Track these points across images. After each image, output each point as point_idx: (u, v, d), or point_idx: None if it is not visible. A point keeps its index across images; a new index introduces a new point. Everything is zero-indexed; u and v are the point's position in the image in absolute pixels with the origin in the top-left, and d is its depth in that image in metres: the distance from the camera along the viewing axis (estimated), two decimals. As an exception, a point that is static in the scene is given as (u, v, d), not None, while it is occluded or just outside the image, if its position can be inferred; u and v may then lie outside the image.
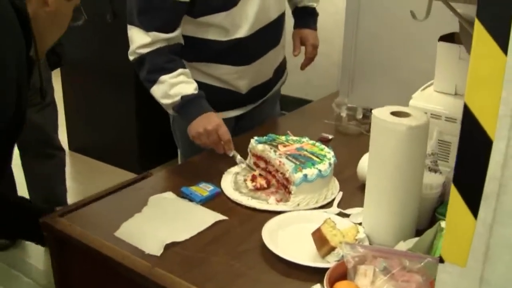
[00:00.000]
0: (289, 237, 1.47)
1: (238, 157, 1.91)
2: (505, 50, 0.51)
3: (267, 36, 2.16)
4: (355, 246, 1.25)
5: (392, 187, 1.37)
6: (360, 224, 1.48)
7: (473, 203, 0.58)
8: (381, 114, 1.37)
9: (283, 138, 1.89)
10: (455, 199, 0.59)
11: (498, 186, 0.56)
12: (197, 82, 2.00)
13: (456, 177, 0.59)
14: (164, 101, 1.96)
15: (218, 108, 2.02)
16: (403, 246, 1.32)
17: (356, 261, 1.22)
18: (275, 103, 2.53)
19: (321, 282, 1.21)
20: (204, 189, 1.70)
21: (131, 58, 1.98)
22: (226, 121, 2.03)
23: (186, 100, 1.93)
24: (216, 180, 1.78)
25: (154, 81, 1.94)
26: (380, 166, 1.39)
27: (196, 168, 1.93)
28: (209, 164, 1.94)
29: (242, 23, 2.04)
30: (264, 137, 1.88)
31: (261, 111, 2.38)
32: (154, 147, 3.97)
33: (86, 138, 4.30)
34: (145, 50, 1.93)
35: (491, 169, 0.56)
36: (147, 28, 1.91)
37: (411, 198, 1.39)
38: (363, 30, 2.36)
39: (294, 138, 1.90)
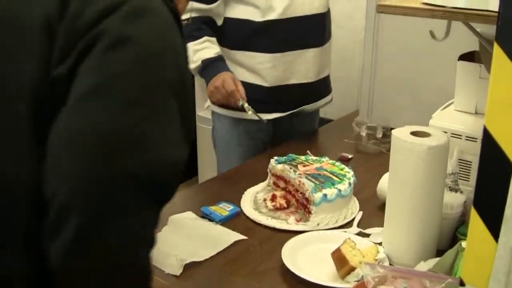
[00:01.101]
0: (309, 257, 1.47)
1: (246, 105, 2.06)
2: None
3: (305, 29, 2.20)
4: (375, 267, 1.25)
5: (412, 206, 1.37)
6: (380, 244, 1.48)
7: (494, 226, 0.58)
8: (401, 134, 1.37)
9: (302, 158, 1.89)
10: (476, 222, 0.59)
11: (519, 208, 0.56)
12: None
13: (477, 200, 0.59)
14: (191, 66, 2.11)
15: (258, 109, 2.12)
16: (423, 266, 1.31)
17: (376, 282, 1.21)
18: (314, 122, 2.55)
19: (341, 302, 1.21)
20: (224, 208, 1.71)
21: None
22: (263, 124, 2.20)
23: (206, 64, 2.11)
24: (236, 199, 1.78)
25: None
26: (400, 185, 1.39)
27: (216, 187, 1.94)
28: (229, 183, 1.95)
29: (276, 4, 2.11)
30: (284, 157, 1.88)
31: (301, 122, 2.41)
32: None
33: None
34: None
35: None
36: None
37: (431, 218, 1.39)
38: (382, 49, 2.37)
39: (314, 158, 1.90)
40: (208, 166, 3.67)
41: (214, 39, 2.17)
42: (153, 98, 0.93)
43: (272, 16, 2.12)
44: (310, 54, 2.24)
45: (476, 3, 1.18)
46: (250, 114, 2.07)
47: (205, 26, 2.15)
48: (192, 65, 2.13)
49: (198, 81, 3.64)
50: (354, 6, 3.15)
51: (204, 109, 3.55)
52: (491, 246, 0.59)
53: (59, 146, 0.88)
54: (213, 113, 2.42)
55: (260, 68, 2.19)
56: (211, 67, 2.13)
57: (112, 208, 0.87)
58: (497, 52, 0.52)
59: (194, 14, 2.12)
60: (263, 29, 2.14)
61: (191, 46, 2.10)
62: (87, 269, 0.89)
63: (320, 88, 2.38)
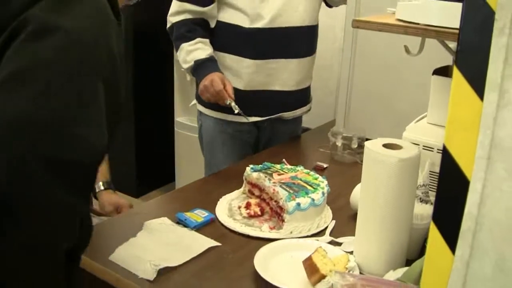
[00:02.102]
0: (281, 265, 1.49)
1: (233, 104, 2.15)
2: (481, 96, 0.55)
3: (291, 39, 2.28)
4: (344, 275, 1.27)
5: (383, 217, 1.40)
6: (351, 252, 1.51)
7: (451, 240, 0.61)
8: (373, 146, 1.40)
9: (278, 166, 1.92)
10: (434, 236, 0.62)
11: (475, 224, 0.59)
12: None
13: (435, 215, 0.62)
14: (184, 66, 2.25)
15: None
16: (392, 275, 1.34)
17: (346, 290, 1.24)
18: (297, 129, 2.62)
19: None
20: (199, 215, 1.72)
21: (167, 27, 2.30)
22: (248, 126, 2.34)
23: (198, 64, 2.19)
24: (210, 206, 1.80)
25: (177, 48, 2.24)
26: (372, 196, 1.42)
27: (191, 194, 1.96)
28: (205, 190, 1.97)
29: (264, 13, 2.20)
30: (259, 166, 1.91)
31: (284, 127, 2.49)
32: (152, 171, 4.00)
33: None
34: (174, 19, 2.25)
35: (468, 208, 0.58)
36: None
37: (401, 228, 1.42)
38: (360, 61, 2.41)
39: (289, 167, 1.93)
40: (185, 172, 3.70)
41: (207, 40, 2.25)
42: (76, 85, 0.92)
43: (260, 24, 2.20)
44: (293, 64, 2.32)
45: (448, 21, 1.22)
46: (236, 112, 2.15)
47: (198, 27, 2.24)
48: (186, 65, 2.24)
49: (178, 89, 3.68)
50: (333, 18, 3.18)
51: (190, 105, 3.59)
52: (449, 259, 0.62)
53: None
54: (200, 112, 2.48)
55: (244, 72, 2.27)
56: (203, 67, 2.20)
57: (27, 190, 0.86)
58: (457, 75, 0.55)
59: (187, 16, 2.23)
60: (250, 36, 2.22)
61: (185, 46, 2.22)
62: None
63: (300, 97, 2.45)
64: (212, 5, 2.23)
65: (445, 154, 0.58)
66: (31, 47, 0.90)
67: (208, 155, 2.49)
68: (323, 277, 1.37)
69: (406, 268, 1.35)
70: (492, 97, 0.55)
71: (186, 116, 3.71)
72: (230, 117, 2.31)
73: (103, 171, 2.09)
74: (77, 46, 0.94)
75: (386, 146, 1.41)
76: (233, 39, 2.27)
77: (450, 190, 0.59)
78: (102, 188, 2.03)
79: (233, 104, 2.15)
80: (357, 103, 2.44)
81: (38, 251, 0.91)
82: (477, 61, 0.54)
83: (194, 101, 2.49)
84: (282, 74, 2.31)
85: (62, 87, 0.90)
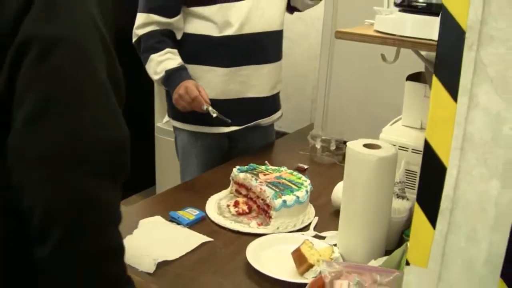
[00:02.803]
0: (271, 257, 1.60)
1: (210, 108, 2.17)
2: (455, 99, 0.68)
3: (261, 45, 2.32)
4: (331, 263, 1.40)
5: (364, 211, 1.53)
6: (335, 245, 1.63)
7: (432, 217, 0.73)
8: (354, 146, 1.53)
9: (263, 167, 2.03)
10: (418, 214, 0.75)
11: (451, 203, 0.72)
12: None
13: (419, 196, 0.74)
14: (154, 77, 2.25)
15: (209, 122, 2.26)
16: (374, 264, 1.46)
17: (333, 276, 1.36)
18: (270, 135, 2.67)
19: (301, 295, 1.35)
20: (190, 213, 1.83)
21: (133, 40, 2.29)
22: (219, 137, 2.36)
23: (169, 74, 2.20)
24: (200, 205, 1.90)
25: (146, 60, 2.24)
26: (354, 192, 1.55)
27: (181, 194, 2.06)
28: (193, 191, 2.07)
29: (233, 20, 2.22)
30: (246, 167, 2.02)
31: (254, 136, 2.51)
32: (132, 176, 4.06)
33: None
34: (140, 32, 2.23)
35: (446, 190, 0.71)
36: (145, 9, 2.21)
37: (381, 221, 1.55)
38: (337, 67, 2.54)
39: (274, 167, 2.05)
40: (166, 176, 3.76)
41: (175, 50, 2.26)
42: (90, 91, 0.97)
43: (229, 31, 2.23)
44: (265, 70, 2.37)
45: (422, 33, 1.35)
46: (215, 116, 2.17)
47: (166, 38, 2.25)
48: (156, 76, 2.24)
49: (158, 95, 3.75)
50: (309, 26, 3.32)
51: (163, 123, 3.67)
52: (430, 233, 0.74)
53: (22, 170, 0.94)
54: (174, 128, 2.53)
55: (216, 81, 2.29)
56: (174, 76, 2.21)
57: (87, 210, 0.97)
58: (436, 82, 0.68)
59: (154, 27, 2.23)
60: (220, 44, 2.25)
61: (155, 57, 2.22)
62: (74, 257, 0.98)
63: (273, 102, 2.53)
64: (178, 16, 2.23)
65: (426, 146, 0.71)
66: (41, 73, 0.93)
67: (182, 165, 2.54)
68: (311, 266, 1.49)
69: (386, 257, 1.48)
70: (464, 100, 0.68)
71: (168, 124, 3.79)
72: (203, 129, 2.35)
73: None
74: (83, 49, 0.97)
75: (366, 146, 1.54)
76: (203, 50, 2.28)
77: (430, 175, 0.72)
78: None
79: (210, 108, 2.16)
80: (334, 107, 2.56)
81: None
82: (451, 71, 0.67)
83: (167, 118, 2.51)
84: (255, 80, 2.35)
85: (95, 97, 0.97)
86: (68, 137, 0.93)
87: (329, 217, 1.87)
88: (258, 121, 2.46)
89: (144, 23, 2.22)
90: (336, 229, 1.68)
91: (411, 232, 0.77)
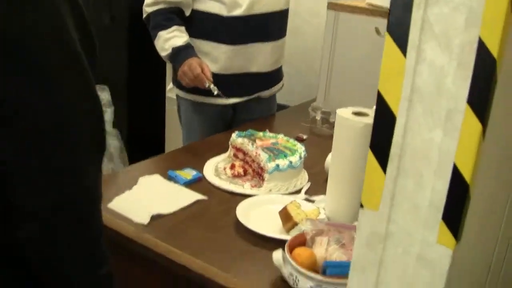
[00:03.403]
0: (260, 216, 1.68)
1: (212, 86, 2.28)
2: (404, 54, 0.75)
3: (267, 24, 2.43)
4: (314, 222, 1.48)
5: (350, 175, 1.60)
6: (323, 209, 1.71)
7: (383, 162, 0.80)
8: (344, 113, 1.61)
9: (260, 134, 2.11)
10: (371, 160, 0.82)
11: (400, 150, 0.79)
12: None
13: (372, 144, 0.81)
14: (162, 53, 2.36)
15: (212, 94, 2.32)
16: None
17: (314, 233, 1.44)
18: (272, 107, 2.78)
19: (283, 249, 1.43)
20: (188, 173, 1.92)
21: (143, 17, 2.41)
22: (224, 108, 2.47)
23: (176, 51, 2.31)
24: (199, 167, 1.99)
25: (154, 36, 2.35)
26: (341, 157, 1.62)
27: (181, 156, 2.15)
28: (194, 153, 2.16)
29: (241, 1, 2.33)
30: (244, 132, 2.10)
31: (256, 108, 2.63)
32: (142, 145, 4.15)
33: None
34: (149, 9, 2.36)
35: (395, 138, 0.78)
36: None
37: (365, 186, 1.62)
38: (340, 43, 2.59)
39: (271, 134, 2.12)
40: (174, 145, 3.85)
41: (182, 27, 2.36)
42: (69, 77, 0.94)
43: (237, 12, 2.33)
44: (269, 47, 2.48)
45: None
46: (215, 93, 2.29)
47: (174, 15, 2.35)
48: (163, 53, 2.36)
49: (169, 64, 3.81)
50: (318, 4, 3.37)
51: (167, 90, 3.76)
52: (381, 178, 0.81)
53: (18, 182, 0.93)
54: (177, 96, 2.64)
55: (221, 57, 2.40)
56: (180, 54, 2.32)
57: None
58: (388, 38, 0.74)
59: (163, 6, 2.34)
60: (228, 23, 2.35)
61: (163, 34, 2.33)
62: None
63: (274, 76, 2.64)
64: None
65: (379, 97, 0.78)
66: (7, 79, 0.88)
67: (185, 134, 2.65)
68: (296, 224, 1.57)
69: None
70: (412, 55, 0.74)
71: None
72: (206, 99, 2.44)
73: None
74: (56, 32, 0.92)
75: (355, 113, 1.61)
76: (210, 27, 2.39)
77: (382, 124, 0.79)
78: None
79: (212, 86, 2.27)
80: (337, 81, 2.63)
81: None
82: (402, 29, 0.74)
83: (171, 85, 2.63)
84: (258, 57, 2.47)
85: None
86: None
87: (321, 184, 1.94)
88: (259, 93, 2.58)
89: (153, 1, 2.34)
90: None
91: (365, 178, 0.84)
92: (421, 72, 0.75)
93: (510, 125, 0.84)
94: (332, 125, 2.46)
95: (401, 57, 0.75)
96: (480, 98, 0.72)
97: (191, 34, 2.39)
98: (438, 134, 0.76)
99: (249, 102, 2.55)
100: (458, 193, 0.76)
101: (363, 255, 0.89)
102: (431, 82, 0.74)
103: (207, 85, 2.27)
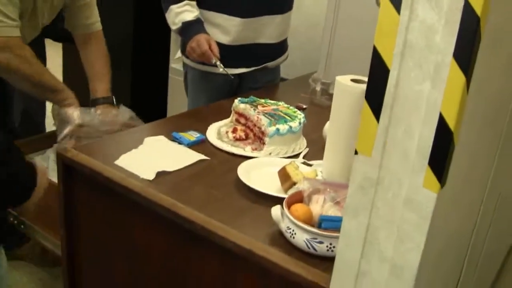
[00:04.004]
0: (259, 176, 1.76)
1: (218, 62, 2.38)
2: (399, 12, 0.82)
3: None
4: (311, 181, 1.56)
5: (347, 139, 1.68)
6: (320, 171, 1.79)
7: (376, 111, 0.88)
8: (343, 79, 1.68)
9: (262, 100, 2.19)
10: (366, 110, 0.90)
11: (392, 100, 0.86)
12: None
13: (367, 94, 0.89)
14: (173, 27, 2.45)
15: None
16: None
17: (311, 192, 1.52)
18: (276, 77, 2.90)
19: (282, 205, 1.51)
20: (192, 135, 2.00)
21: None
22: (224, 78, 2.53)
23: (186, 25, 2.39)
24: (202, 130, 2.07)
25: (166, 9, 2.43)
26: (339, 122, 1.70)
27: (185, 120, 2.23)
28: (197, 118, 2.24)
29: None
30: (246, 99, 2.17)
31: (261, 77, 2.74)
32: (145, 114, 4.22)
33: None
34: None
35: (388, 88, 0.86)
36: None
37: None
38: (342, 15, 2.66)
39: (272, 101, 2.20)
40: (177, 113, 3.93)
41: (193, 2, 2.44)
42: None
43: None
44: (276, 20, 2.59)
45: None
46: (221, 70, 2.39)
47: None
48: (174, 27, 2.44)
49: (174, 34, 3.88)
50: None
51: (175, 58, 3.83)
52: (374, 126, 0.89)
53: None
54: (184, 64, 2.71)
55: (232, 30, 2.50)
56: (190, 29, 2.41)
57: None
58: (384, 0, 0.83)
59: None
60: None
61: (174, 8, 2.41)
62: None
63: (281, 47, 2.75)
64: None
65: (374, 51, 0.85)
66: None
67: (191, 102, 2.75)
68: (294, 184, 1.64)
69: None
70: (405, 13, 0.82)
71: (180, 63, 3.94)
72: (215, 69, 2.51)
73: (103, 89, 2.37)
74: None
75: (353, 80, 1.68)
76: (223, 0, 2.48)
77: (376, 76, 0.86)
78: (101, 102, 2.34)
79: (218, 63, 2.38)
80: (337, 52, 2.70)
81: None
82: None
83: (179, 54, 2.73)
84: (267, 29, 2.58)
85: None
86: None
87: (319, 150, 2.01)
88: (266, 64, 2.68)
89: None
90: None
91: (360, 126, 0.92)
92: (413, 29, 0.82)
93: (494, 81, 0.92)
94: (331, 96, 2.53)
95: (396, 15, 0.82)
96: (465, 53, 0.79)
97: (204, 6, 2.48)
98: (426, 86, 0.83)
99: (255, 72, 2.67)
100: (443, 140, 0.84)
101: (356, 199, 0.97)
102: (421, 38, 0.82)
103: (213, 61, 2.38)
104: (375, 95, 0.87)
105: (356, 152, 0.94)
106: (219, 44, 2.43)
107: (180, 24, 2.41)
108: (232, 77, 2.49)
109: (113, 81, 4.03)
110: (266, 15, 2.54)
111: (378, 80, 0.86)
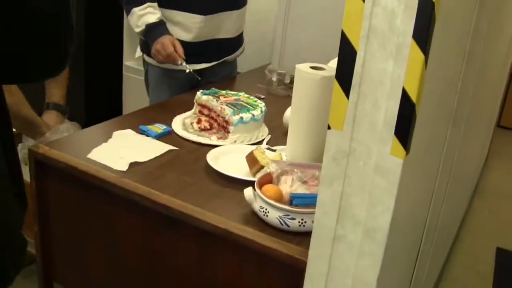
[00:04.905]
0: (228, 162, 1.85)
1: (184, 63, 2.45)
2: (363, 0, 0.93)
3: None
4: (279, 162, 1.66)
5: (308, 123, 1.79)
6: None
7: (346, 89, 0.99)
8: (303, 67, 1.79)
9: (223, 92, 2.28)
10: (337, 88, 1.00)
11: (360, 78, 0.97)
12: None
13: (337, 74, 1.00)
14: (136, 30, 2.48)
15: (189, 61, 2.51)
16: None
17: (279, 173, 1.62)
18: (234, 70, 3.00)
19: (253, 187, 1.60)
20: (158, 127, 2.07)
21: None
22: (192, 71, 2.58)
23: (149, 27, 2.44)
24: (167, 122, 2.15)
25: (128, 12, 2.46)
26: (300, 107, 1.80)
27: (150, 113, 2.30)
28: (162, 111, 2.31)
29: None
30: (208, 91, 2.26)
31: (220, 71, 2.84)
32: (100, 113, 4.23)
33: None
34: None
35: (356, 68, 0.97)
36: None
37: (322, 131, 1.80)
38: (294, 8, 2.78)
39: (233, 92, 2.30)
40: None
41: (155, 4, 2.49)
42: None
43: None
44: (234, 15, 2.70)
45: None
46: (187, 71, 2.46)
47: None
48: (137, 29, 2.48)
49: (127, 32, 3.94)
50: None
51: (134, 59, 3.88)
52: (345, 103, 1.00)
53: None
54: (144, 61, 2.78)
55: (194, 27, 2.59)
56: (153, 31, 2.46)
57: None
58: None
59: None
60: None
61: (136, 11, 2.45)
62: None
63: (238, 41, 2.85)
64: None
65: (343, 35, 0.96)
66: None
67: (154, 98, 2.81)
68: (262, 167, 1.74)
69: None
70: (369, 0, 0.93)
71: (134, 61, 3.99)
72: (176, 66, 2.59)
73: (57, 95, 2.42)
74: None
75: (312, 68, 1.79)
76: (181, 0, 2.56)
77: (345, 57, 0.97)
78: (50, 107, 2.39)
79: (184, 64, 2.45)
80: (290, 44, 2.81)
81: None
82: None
83: (139, 53, 2.80)
84: (226, 24, 2.68)
85: None
86: None
87: (280, 136, 2.13)
88: (225, 58, 2.79)
89: None
90: (286, 145, 1.94)
91: (331, 104, 1.02)
92: (376, 14, 0.93)
93: (447, 59, 1.04)
94: (287, 86, 2.66)
95: (360, 2, 0.93)
96: (422, 34, 0.90)
97: (164, 4, 2.53)
98: (390, 64, 0.94)
99: (215, 66, 2.76)
100: (407, 111, 0.95)
101: (330, 170, 1.08)
102: (384, 22, 0.93)
103: (179, 63, 2.45)
104: (344, 75, 0.98)
105: (329, 127, 1.04)
106: (181, 42, 2.50)
107: (143, 27, 2.45)
108: (199, 78, 2.58)
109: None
110: (225, 11, 2.64)
111: (347, 61, 0.96)
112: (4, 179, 1.17)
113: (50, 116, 2.42)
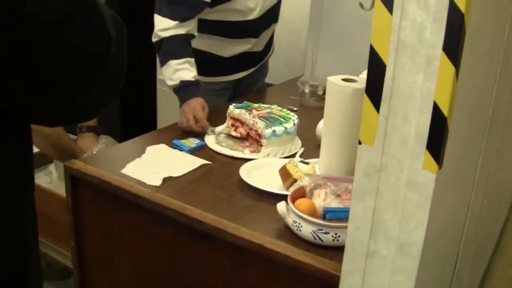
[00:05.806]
0: (261, 176, 1.85)
1: (212, 129, 2.23)
2: (391, 13, 0.92)
3: (271, 15, 2.68)
4: (312, 176, 1.65)
5: (341, 135, 1.78)
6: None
7: (377, 104, 0.98)
8: (334, 79, 1.78)
9: (256, 105, 2.28)
10: (367, 103, 0.99)
11: (390, 92, 0.96)
12: (210, 54, 2.60)
13: (367, 88, 0.99)
14: (169, 82, 2.33)
15: (221, 72, 2.61)
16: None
17: (312, 187, 1.61)
18: (267, 71, 3.06)
19: (286, 201, 1.60)
20: (192, 141, 2.09)
21: (153, 40, 2.36)
22: (230, 82, 2.74)
23: (184, 85, 2.30)
24: (200, 137, 2.16)
25: (164, 63, 2.33)
26: (332, 120, 1.80)
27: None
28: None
29: (253, 5, 2.53)
30: (240, 104, 2.27)
31: (257, 73, 2.91)
32: (135, 127, 4.28)
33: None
34: (163, 34, 2.31)
35: (386, 83, 0.96)
36: (170, 17, 2.32)
37: (355, 143, 1.78)
38: (326, 18, 2.77)
39: (265, 105, 2.30)
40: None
41: (192, 60, 2.34)
42: None
43: (252, 16, 2.56)
44: (270, 30, 2.75)
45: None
46: (215, 135, 2.23)
47: (187, 44, 2.34)
48: (171, 82, 2.32)
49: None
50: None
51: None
52: (375, 117, 0.99)
53: None
54: None
55: (234, 48, 2.66)
56: (187, 89, 2.32)
57: None
58: (378, 2, 0.93)
59: (178, 32, 2.32)
60: (244, 25, 2.58)
61: (173, 64, 2.29)
62: None
63: (270, 45, 2.92)
64: (195, 21, 2.38)
65: (371, 49, 0.95)
66: None
67: None
68: (295, 181, 1.74)
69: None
70: (397, 13, 0.91)
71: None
72: (216, 79, 2.65)
73: None
74: None
75: (344, 80, 1.78)
76: (228, 29, 2.58)
77: (374, 72, 0.96)
78: (84, 130, 2.42)
79: (211, 129, 2.23)
80: (323, 55, 2.81)
81: None
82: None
83: None
84: (263, 40, 2.75)
85: None
86: None
87: (314, 148, 2.12)
88: (261, 62, 2.87)
89: (169, 27, 2.31)
90: (319, 157, 1.93)
91: (362, 118, 1.01)
92: (405, 27, 0.92)
93: (478, 69, 1.02)
94: (319, 98, 2.65)
95: (388, 16, 0.92)
96: (452, 46, 0.89)
97: (208, 31, 2.54)
98: (420, 77, 0.93)
99: (251, 72, 2.85)
100: (438, 125, 0.93)
101: (362, 184, 1.06)
102: (413, 35, 0.92)
103: (208, 131, 2.24)
104: (374, 89, 0.97)
105: (359, 142, 1.03)
106: (218, 57, 2.56)
107: (177, 82, 2.29)
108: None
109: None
110: (269, 28, 2.72)
111: (376, 75, 0.96)
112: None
113: (85, 140, 2.46)
